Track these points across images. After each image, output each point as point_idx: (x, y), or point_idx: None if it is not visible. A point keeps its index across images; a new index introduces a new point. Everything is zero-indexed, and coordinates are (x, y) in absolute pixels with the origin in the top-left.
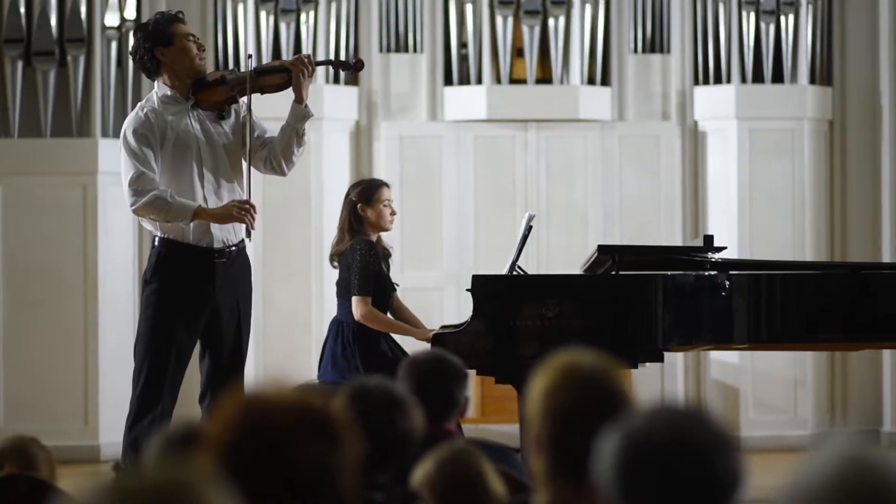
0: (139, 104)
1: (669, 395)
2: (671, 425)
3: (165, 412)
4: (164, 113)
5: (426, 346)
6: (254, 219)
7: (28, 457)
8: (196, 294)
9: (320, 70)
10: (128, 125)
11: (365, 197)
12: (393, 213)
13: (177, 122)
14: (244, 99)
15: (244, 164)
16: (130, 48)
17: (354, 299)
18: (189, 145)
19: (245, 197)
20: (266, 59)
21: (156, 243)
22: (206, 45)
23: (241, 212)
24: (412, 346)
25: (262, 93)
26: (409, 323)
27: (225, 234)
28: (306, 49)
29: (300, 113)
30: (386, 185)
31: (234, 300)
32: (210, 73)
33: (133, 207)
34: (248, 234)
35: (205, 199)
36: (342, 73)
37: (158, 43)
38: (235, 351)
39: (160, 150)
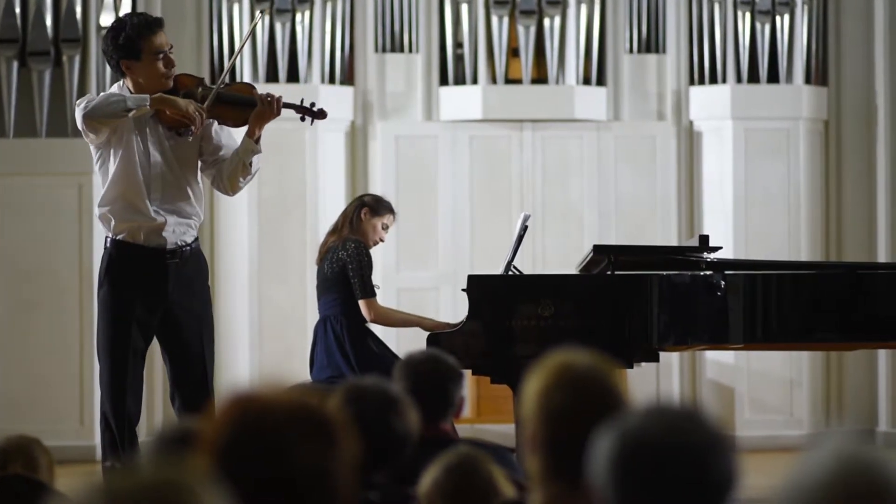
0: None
1: (665, 395)
2: (666, 425)
3: (131, 412)
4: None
5: (418, 345)
6: (202, 125)
7: (29, 457)
8: (148, 294)
9: (316, 69)
10: None
11: (374, 208)
12: (381, 240)
13: (135, 126)
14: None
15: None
16: (101, 45)
17: (361, 304)
18: (141, 155)
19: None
20: (261, 61)
21: (107, 244)
22: (202, 44)
23: (197, 113)
24: (404, 346)
25: (219, 123)
26: None
27: (178, 236)
28: (302, 50)
29: (250, 147)
30: (395, 213)
31: (189, 299)
32: (181, 77)
33: (84, 112)
34: (190, 134)
35: (156, 212)
36: (337, 74)
37: (125, 56)
38: (199, 351)
39: (118, 144)
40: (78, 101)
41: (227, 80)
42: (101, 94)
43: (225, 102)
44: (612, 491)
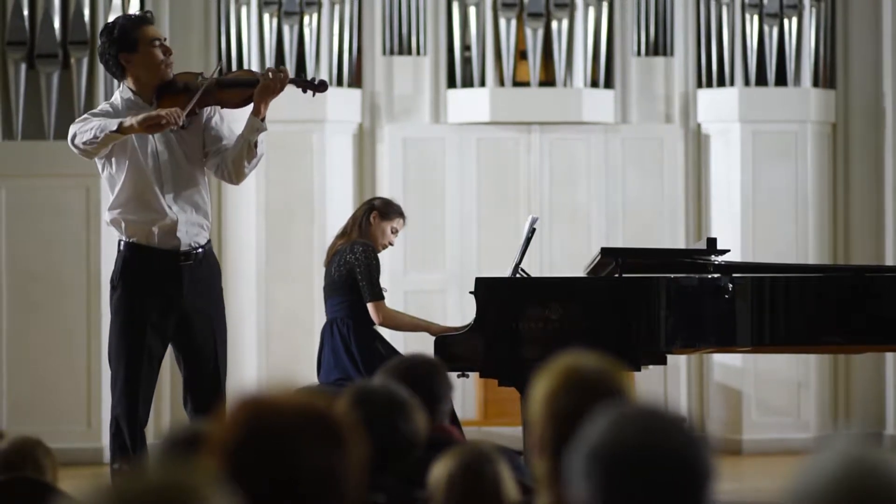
0: (103, 103)
1: (672, 398)
2: (637, 428)
3: (141, 417)
4: (127, 115)
5: (426, 348)
6: (180, 116)
7: (32, 459)
8: (163, 297)
9: (323, 71)
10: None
11: (384, 211)
12: (391, 243)
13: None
14: (207, 109)
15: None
16: (98, 49)
17: (369, 306)
18: (148, 152)
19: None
20: (269, 61)
21: (121, 248)
22: (209, 47)
23: (173, 112)
24: (411, 349)
25: (223, 107)
26: None
27: (191, 237)
28: (310, 52)
29: (255, 125)
30: (405, 217)
31: (203, 302)
32: (179, 74)
33: (70, 142)
34: (183, 127)
35: (169, 207)
36: (344, 77)
37: (122, 49)
38: (213, 354)
39: (121, 151)
40: (70, 128)
41: (223, 69)
42: (84, 119)
43: (225, 86)
44: (593, 500)
